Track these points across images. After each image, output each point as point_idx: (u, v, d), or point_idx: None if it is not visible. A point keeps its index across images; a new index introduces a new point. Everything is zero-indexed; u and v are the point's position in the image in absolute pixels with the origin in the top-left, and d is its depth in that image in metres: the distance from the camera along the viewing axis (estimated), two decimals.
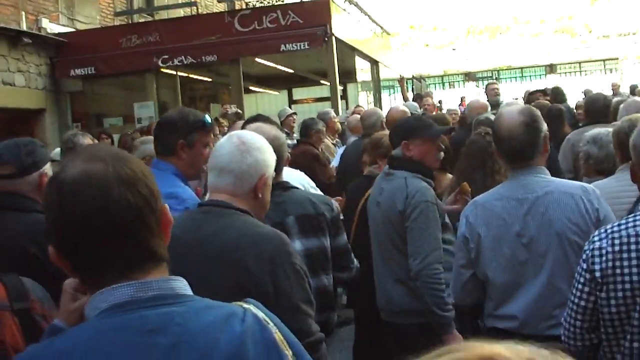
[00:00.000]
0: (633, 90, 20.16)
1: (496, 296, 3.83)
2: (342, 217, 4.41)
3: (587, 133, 5.57)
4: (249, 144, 3.13)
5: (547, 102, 10.34)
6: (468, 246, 3.87)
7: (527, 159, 3.74)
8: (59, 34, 15.53)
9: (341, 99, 17.23)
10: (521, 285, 3.73)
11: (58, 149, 8.39)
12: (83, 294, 2.03)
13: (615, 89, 20.83)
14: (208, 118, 4.25)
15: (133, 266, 1.72)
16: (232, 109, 13.00)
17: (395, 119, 7.69)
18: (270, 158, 3.20)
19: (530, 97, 13.39)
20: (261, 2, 18.55)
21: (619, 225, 3.04)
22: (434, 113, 11.97)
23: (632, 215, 3.06)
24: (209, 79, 18.99)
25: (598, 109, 7.72)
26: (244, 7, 19.30)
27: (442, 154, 5.08)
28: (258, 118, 6.64)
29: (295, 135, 10.99)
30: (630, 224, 2.99)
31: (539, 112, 3.86)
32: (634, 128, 4.27)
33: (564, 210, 3.61)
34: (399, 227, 4.77)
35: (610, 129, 5.46)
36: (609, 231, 3.05)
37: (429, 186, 4.81)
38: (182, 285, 1.79)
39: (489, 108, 8.99)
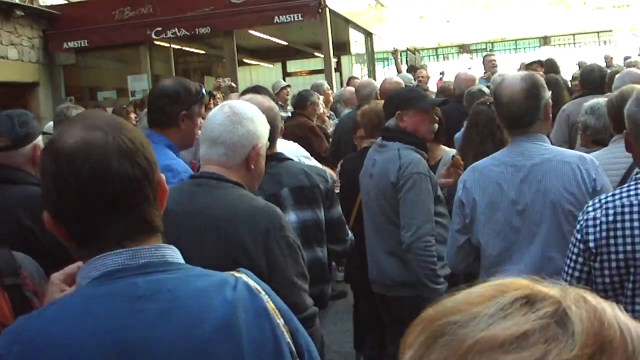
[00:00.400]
0: (625, 61, 20.17)
1: (489, 263, 3.81)
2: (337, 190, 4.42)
3: (586, 104, 5.55)
4: (241, 114, 3.10)
5: (542, 73, 10.32)
6: (463, 211, 3.86)
7: (526, 125, 3.71)
8: (52, 6, 15.48)
9: (335, 71, 17.19)
10: (514, 253, 3.71)
11: (51, 123, 8.36)
12: (69, 286, 2.03)
13: (609, 61, 20.79)
14: (204, 89, 4.23)
15: (129, 236, 1.72)
16: (226, 81, 12.98)
17: (389, 90, 7.70)
18: (263, 128, 3.17)
19: (527, 68, 13.35)
20: None
21: (613, 195, 3.04)
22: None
23: (627, 185, 3.06)
24: (203, 52, 18.94)
25: (594, 79, 7.69)
26: None
27: (436, 125, 5.06)
28: (256, 89, 6.65)
29: (289, 107, 10.96)
30: (624, 194, 2.99)
31: (542, 80, 3.83)
32: (625, 99, 4.29)
33: (560, 179, 3.59)
34: (391, 199, 4.77)
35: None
36: (603, 201, 3.05)
37: (422, 158, 4.79)
38: (173, 254, 1.79)
39: (477, 80, 8.97)
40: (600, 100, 5.47)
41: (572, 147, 6.21)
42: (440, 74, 22.18)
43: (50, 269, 2.34)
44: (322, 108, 9.61)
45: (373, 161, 4.98)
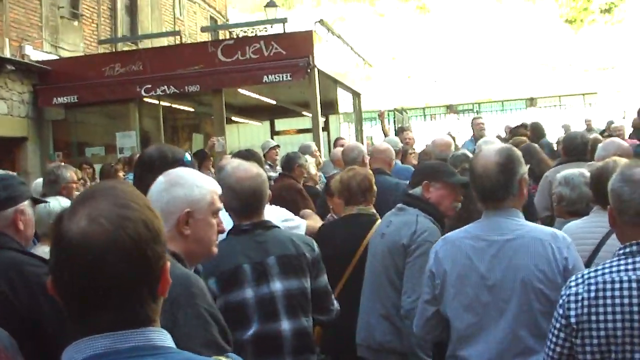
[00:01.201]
0: (609, 126, 20.40)
1: (457, 337, 3.80)
2: None
3: (559, 174, 5.59)
4: (171, 181, 3.08)
5: (525, 138, 10.40)
6: (434, 281, 3.86)
7: (499, 199, 3.72)
8: (43, 62, 15.53)
9: (323, 130, 17.27)
10: (482, 329, 3.69)
11: (40, 180, 8.36)
12: None
13: (589, 124, 21.09)
14: (188, 156, 4.21)
15: (120, 326, 1.72)
16: (220, 141, 13.00)
17: (381, 153, 7.82)
18: (198, 192, 3.09)
19: (513, 131, 13.48)
20: (245, 32, 18.62)
21: (595, 270, 3.07)
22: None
23: (610, 261, 3.10)
24: (192, 109, 19.00)
25: (576, 147, 7.75)
26: (227, 37, 19.41)
27: (459, 204, 5.08)
28: (247, 153, 6.70)
29: (278, 168, 10.99)
30: (607, 270, 3.02)
31: (518, 154, 3.85)
32: (608, 172, 4.35)
33: (531, 257, 3.58)
34: (399, 261, 4.78)
35: (582, 170, 5.51)
36: (585, 276, 3.08)
37: (437, 229, 4.82)
38: (162, 337, 1.78)
39: (453, 145, 9.07)
40: (574, 171, 5.51)
41: (554, 215, 6.26)
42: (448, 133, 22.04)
43: (25, 334, 2.34)
44: (312, 169, 9.65)
45: (389, 222, 5.01)
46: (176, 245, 2.99)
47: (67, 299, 1.72)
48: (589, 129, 19.31)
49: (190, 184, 3.11)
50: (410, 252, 4.69)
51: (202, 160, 11.91)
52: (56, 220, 1.78)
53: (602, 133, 13.97)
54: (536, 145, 9.62)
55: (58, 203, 5.42)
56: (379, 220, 5.40)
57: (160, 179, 3.11)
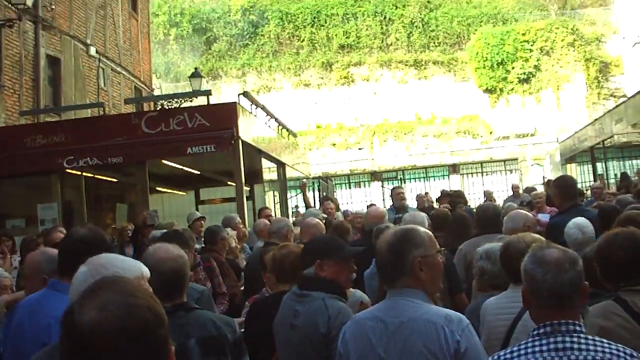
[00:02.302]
0: (529, 192, 20.83)
1: None
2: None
3: (480, 248, 5.66)
4: (95, 267, 3.12)
5: (447, 210, 10.57)
6: None
7: (392, 280, 3.75)
8: None
9: (248, 199, 17.28)
10: None
11: None
12: None
13: (516, 191, 21.40)
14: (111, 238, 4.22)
15: None
16: (152, 214, 12.89)
17: (311, 228, 7.84)
18: (123, 273, 3.08)
19: (441, 200, 13.69)
20: (169, 104, 18.66)
21: (511, 352, 3.16)
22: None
23: (524, 342, 3.18)
24: (115, 180, 18.85)
25: (488, 218, 7.83)
26: (151, 108, 19.40)
27: (354, 274, 5.11)
28: (170, 234, 6.68)
29: (202, 239, 10.95)
30: (522, 351, 3.12)
31: (415, 235, 3.82)
32: (514, 249, 4.47)
33: (423, 339, 3.54)
34: (321, 350, 4.68)
35: (502, 244, 5.63)
36: (502, 358, 3.17)
37: (347, 306, 4.80)
38: None
39: (386, 216, 9.15)
40: (495, 245, 5.60)
41: (469, 287, 6.34)
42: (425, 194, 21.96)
43: None
44: (233, 242, 9.66)
45: (294, 312, 4.86)
46: None
47: None
48: (516, 196, 19.69)
49: (113, 265, 3.14)
50: (332, 339, 4.54)
51: (141, 231, 11.97)
52: (65, 313, 1.90)
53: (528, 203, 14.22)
54: (464, 213, 9.78)
55: None
56: None
57: (83, 269, 3.14)
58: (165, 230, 8.78)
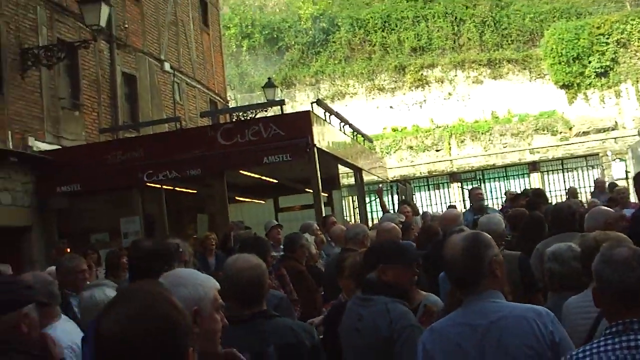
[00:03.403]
0: (612, 188, 20.42)
1: None
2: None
3: (548, 249, 5.61)
4: (173, 282, 3.16)
5: (523, 210, 10.39)
6: None
7: (471, 285, 3.75)
8: (45, 152, 15.72)
9: (326, 205, 17.36)
10: None
11: (53, 267, 8.53)
12: None
13: (600, 186, 20.96)
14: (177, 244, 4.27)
15: None
16: (239, 224, 13.07)
17: (387, 233, 7.84)
18: (202, 290, 3.20)
19: (513, 202, 13.53)
20: (245, 115, 18.86)
21: (584, 351, 3.14)
22: None
23: (597, 341, 3.16)
24: (194, 191, 19.12)
25: (563, 218, 7.73)
26: (227, 120, 19.62)
27: (416, 277, 5.13)
28: (250, 241, 6.70)
29: (281, 246, 11.03)
30: (594, 350, 3.09)
31: (486, 238, 3.89)
32: (592, 248, 4.40)
33: (518, 335, 3.59)
34: (384, 354, 4.72)
35: (571, 244, 5.53)
36: (574, 357, 3.15)
37: (409, 310, 4.84)
38: None
39: (461, 217, 9.09)
40: (562, 245, 5.52)
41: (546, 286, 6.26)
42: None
43: None
44: (313, 249, 9.70)
45: (358, 316, 4.95)
46: None
47: None
48: (601, 191, 19.30)
49: (192, 283, 3.22)
50: (394, 342, 4.66)
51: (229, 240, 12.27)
52: (96, 319, 2.08)
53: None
54: (539, 214, 9.64)
55: (103, 292, 5.54)
56: None
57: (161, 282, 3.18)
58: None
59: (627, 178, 32.10)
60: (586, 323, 4.33)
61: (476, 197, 13.31)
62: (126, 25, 21.31)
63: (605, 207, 7.43)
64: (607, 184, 20.61)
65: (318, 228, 11.70)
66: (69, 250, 13.12)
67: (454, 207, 18.81)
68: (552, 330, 3.62)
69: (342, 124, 18.89)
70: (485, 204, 13.54)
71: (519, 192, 19.19)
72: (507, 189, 24.30)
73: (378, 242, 6.08)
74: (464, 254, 3.75)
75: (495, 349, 3.63)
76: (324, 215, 14.23)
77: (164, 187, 16.70)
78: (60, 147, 16.63)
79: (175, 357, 1.99)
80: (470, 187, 36.88)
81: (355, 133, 20.79)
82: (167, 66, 23.78)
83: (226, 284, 4.51)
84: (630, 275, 3.14)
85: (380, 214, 17.60)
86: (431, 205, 37.01)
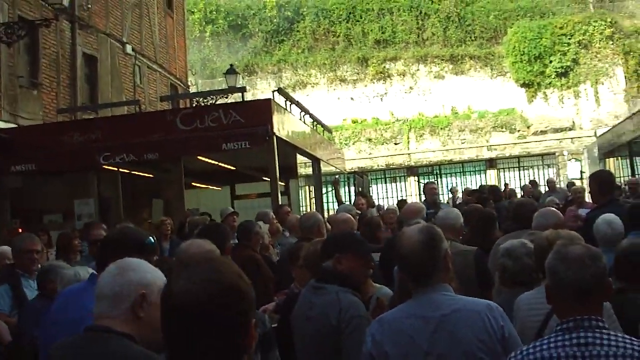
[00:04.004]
0: (569, 187, 20.75)
1: None
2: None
3: (502, 246, 5.68)
4: (123, 267, 3.20)
5: (479, 205, 10.50)
6: None
7: (426, 277, 3.78)
8: (1, 130, 15.50)
9: (283, 194, 17.34)
10: None
11: (5, 247, 8.53)
12: None
13: (552, 185, 21.30)
14: (151, 239, 4.25)
15: None
16: (194, 211, 13.03)
17: (342, 224, 7.85)
18: (150, 276, 3.20)
19: (469, 196, 13.67)
20: (204, 101, 18.75)
21: (534, 346, 3.18)
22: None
23: (547, 337, 3.21)
24: (151, 175, 19.00)
25: (525, 214, 7.82)
26: (187, 105, 19.52)
27: (371, 270, 5.16)
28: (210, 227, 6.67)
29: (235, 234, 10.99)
30: (544, 346, 3.14)
31: (438, 231, 3.93)
32: (544, 246, 4.47)
33: (471, 328, 3.65)
34: (333, 342, 4.75)
35: (524, 240, 5.61)
36: (524, 352, 3.19)
37: (359, 300, 4.86)
38: None
39: (424, 211, 9.14)
40: (515, 242, 5.60)
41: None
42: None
43: None
44: (267, 238, 9.69)
45: (310, 304, 4.97)
46: (130, 328, 3.10)
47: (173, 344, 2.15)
48: (553, 190, 19.61)
49: (142, 269, 3.24)
50: (342, 331, 4.68)
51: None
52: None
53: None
54: (492, 211, 9.75)
55: (86, 271, 5.55)
56: None
57: (111, 267, 3.23)
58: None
59: (582, 178, 32.53)
60: (537, 320, 4.40)
61: (430, 192, 13.42)
62: (89, 6, 21.10)
63: (555, 210, 7.52)
64: (558, 184, 20.98)
65: (274, 217, 11.69)
66: (20, 230, 13.00)
67: (405, 200, 18.99)
68: (503, 325, 3.69)
69: (303, 113, 18.87)
70: (439, 199, 13.64)
71: (475, 188, 19.41)
72: (465, 186, 24.59)
73: (336, 232, 6.09)
74: (421, 246, 3.78)
75: (447, 341, 3.67)
76: (279, 204, 14.22)
77: (121, 170, 16.56)
78: (16, 125, 16.42)
79: (241, 323, 2.11)
80: (426, 181, 37.26)
81: (315, 123, 20.77)
82: (128, 48, 23.59)
83: None
84: (584, 273, 3.20)
85: (336, 205, 17.64)
86: (388, 198, 37.20)
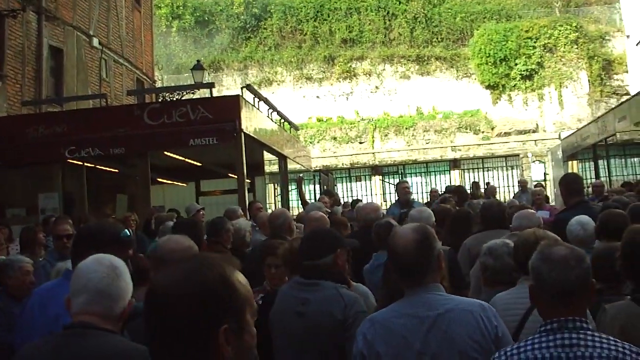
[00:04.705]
0: (523, 185, 20.96)
1: None
2: None
3: (485, 245, 5.68)
4: (115, 272, 3.20)
5: (450, 208, 10.49)
6: None
7: (420, 276, 3.76)
8: None
9: (249, 192, 17.25)
10: None
11: None
12: None
13: (524, 186, 21.50)
14: (126, 232, 4.22)
15: None
16: (159, 209, 12.93)
17: (315, 222, 7.79)
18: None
19: (443, 201, 13.66)
20: (171, 96, 18.61)
21: (518, 347, 3.17)
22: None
23: (532, 338, 3.20)
24: (116, 170, 18.81)
25: (492, 215, 7.87)
26: (153, 100, 19.35)
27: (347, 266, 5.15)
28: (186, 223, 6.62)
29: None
30: (529, 347, 3.13)
31: (432, 231, 3.93)
32: (530, 244, 4.46)
33: (465, 328, 3.63)
34: (335, 337, 4.68)
35: (506, 240, 5.62)
36: (508, 353, 3.18)
37: (358, 296, 4.87)
38: None
39: (379, 210, 9.13)
40: (498, 241, 5.61)
41: (472, 282, 6.32)
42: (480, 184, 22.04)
43: None
44: (248, 235, 9.59)
45: (302, 300, 4.85)
46: (112, 325, 3.15)
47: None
48: (524, 191, 19.75)
49: (128, 274, 3.29)
50: (348, 326, 4.59)
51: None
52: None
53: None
54: (468, 210, 9.77)
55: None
56: None
57: (102, 270, 3.19)
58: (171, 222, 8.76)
59: (545, 180, 32.81)
60: (513, 320, 4.38)
61: (403, 191, 13.38)
62: None
63: (532, 212, 7.55)
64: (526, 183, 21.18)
65: (242, 214, 11.61)
66: None
67: (359, 200, 19.04)
68: (497, 324, 3.69)
69: (270, 110, 18.81)
70: (412, 198, 13.65)
71: (439, 189, 19.51)
72: (432, 187, 24.69)
73: (324, 229, 6.00)
74: (416, 245, 3.76)
75: (441, 341, 3.65)
76: (246, 201, 14.14)
77: (86, 164, 16.35)
78: None
79: (203, 327, 2.03)
80: (390, 180, 37.41)
81: (282, 120, 20.73)
82: (95, 42, 23.35)
83: (157, 264, 4.44)
84: (568, 274, 3.19)
85: (299, 203, 17.60)
86: (352, 197, 37.26)
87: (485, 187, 22.36)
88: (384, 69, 41.63)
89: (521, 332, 4.27)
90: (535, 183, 21.68)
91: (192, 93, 19.60)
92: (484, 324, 3.66)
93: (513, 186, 34.20)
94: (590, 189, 15.37)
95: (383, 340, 3.76)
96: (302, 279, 4.95)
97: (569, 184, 8.55)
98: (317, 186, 26.36)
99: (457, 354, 3.63)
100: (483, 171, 39.23)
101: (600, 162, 23.14)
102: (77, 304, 3.15)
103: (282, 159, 19.62)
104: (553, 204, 20.58)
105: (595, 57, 39.13)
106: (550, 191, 28.33)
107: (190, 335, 2.02)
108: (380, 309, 4.09)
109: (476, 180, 35.47)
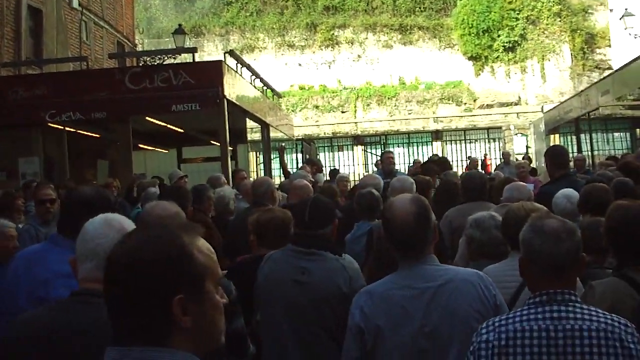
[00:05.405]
0: (506, 158, 21.07)
1: None
2: None
3: (470, 217, 5.63)
4: (126, 230, 2.98)
5: (429, 179, 10.46)
6: (363, 337, 3.76)
7: (418, 248, 3.75)
8: None
9: (231, 159, 17.18)
10: None
11: None
12: None
13: (507, 158, 21.60)
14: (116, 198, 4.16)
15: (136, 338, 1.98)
16: (141, 176, 12.84)
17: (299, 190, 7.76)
18: None
19: (423, 167, 13.66)
20: (153, 61, 18.46)
21: (506, 318, 3.14)
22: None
23: (520, 309, 3.17)
24: (97, 135, 18.64)
25: (474, 187, 7.83)
26: (134, 64, 19.17)
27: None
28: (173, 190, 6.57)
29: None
30: (517, 318, 3.10)
31: (427, 202, 3.90)
32: (519, 217, 4.43)
33: (466, 298, 3.65)
34: (333, 309, 4.66)
35: (493, 213, 5.59)
36: (496, 324, 3.15)
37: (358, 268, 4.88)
38: (163, 356, 1.95)
39: (381, 183, 9.10)
40: (485, 213, 5.58)
41: (454, 253, 6.30)
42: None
43: None
44: (232, 203, 9.55)
45: (301, 269, 4.81)
46: None
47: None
48: (507, 163, 19.84)
49: (126, 227, 3.11)
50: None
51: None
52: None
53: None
54: (455, 181, 9.76)
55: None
56: None
57: (112, 235, 2.99)
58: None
59: (527, 153, 32.94)
60: (505, 293, 4.35)
61: (387, 161, 13.40)
62: None
63: (522, 184, 7.53)
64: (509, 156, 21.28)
65: (225, 181, 11.55)
66: None
67: (337, 171, 19.13)
68: (495, 293, 3.71)
69: (253, 77, 18.69)
70: (396, 168, 13.67)
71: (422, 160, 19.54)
72: (415, 158, 24.82)
73: (317, 197, 5.93)
74: (414, 218, 3.72)
75: (442, 312, 3.64)
76: (229, 168, 14.07)
77: (67, 128, 16.19)
78: None
79: (156, 296, 1.96)
80: (372, 150, 37.41)
81: (265, 88, 20.61)
82: (75, 3, 23.06)
83: None
84: (559, 247, 3.15)
85: (281, 171, 17.57)
86: (334, 166, 37.24)
87: (468, 160, 22.48)
88: (366, 38, 41.44)
89: (514, 306, 4.25)
90: (522, 155, 21.74)
91: (174, 58, 19.47)
92: (484, 293, 3.68)
93: (495, 159, 34.20)
94: (572, 163, 15.42)
95: (383, 312, 3.73)
96: (298, 247, 4.90)
97: (555, 157, 8.52)
98: (300, 155, 26.31)
99: (459, 324, 3.62)
100: (465, 143, 39.27)
101: (583, 136, 23.24)
102: (84, 269, 3.02)
103: (265, 126, 19.52)
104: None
105: (578, 31, 39.11)
106: (533, 164, 28.46)
107: (144, 305, 1.95)
108: (371, 280, 4.07)
109: (457, 151, 35.73)
